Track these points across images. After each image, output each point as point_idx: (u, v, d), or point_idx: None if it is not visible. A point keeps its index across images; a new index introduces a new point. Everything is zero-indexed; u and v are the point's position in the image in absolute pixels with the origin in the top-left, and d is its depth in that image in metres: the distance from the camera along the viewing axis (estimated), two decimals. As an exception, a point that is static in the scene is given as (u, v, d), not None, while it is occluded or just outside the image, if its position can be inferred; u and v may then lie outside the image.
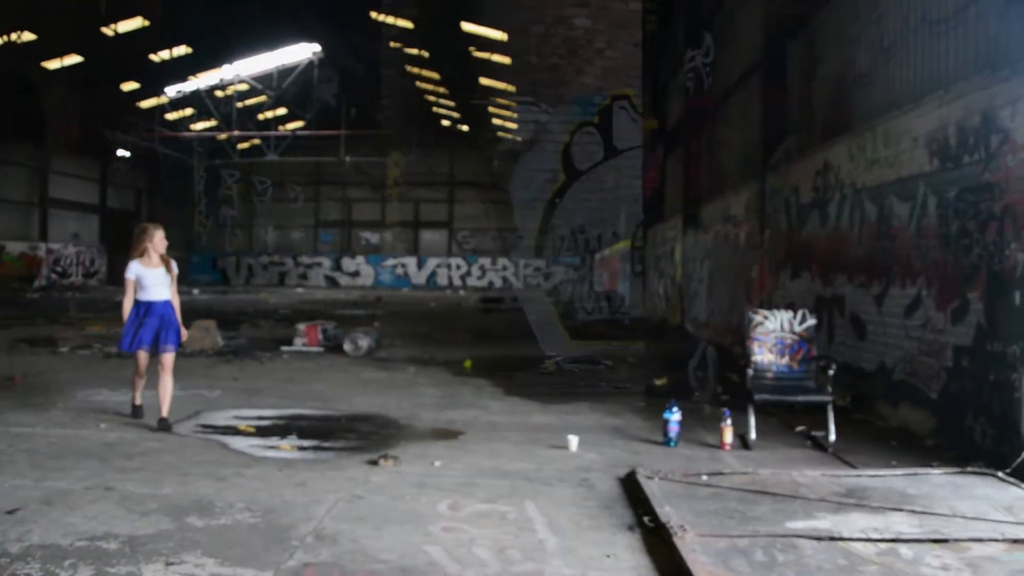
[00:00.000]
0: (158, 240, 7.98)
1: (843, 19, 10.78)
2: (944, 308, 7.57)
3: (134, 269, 7.90)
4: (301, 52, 33.12)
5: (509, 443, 7.38)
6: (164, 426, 7.69)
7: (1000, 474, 6.09)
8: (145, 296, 7.89)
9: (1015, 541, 4.69)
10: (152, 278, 7.91)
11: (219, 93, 36.89)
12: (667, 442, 7.32)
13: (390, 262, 55.36)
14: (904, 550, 4.53)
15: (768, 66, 13.37)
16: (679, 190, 20.83)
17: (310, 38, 32.29)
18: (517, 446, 7.26)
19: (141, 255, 7.94)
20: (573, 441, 7.17)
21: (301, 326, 15.14)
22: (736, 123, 16.30)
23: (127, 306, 7.92)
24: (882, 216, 8.95)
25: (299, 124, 40.70)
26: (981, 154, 7.01)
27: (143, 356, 7.99)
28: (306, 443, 7.39)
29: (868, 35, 9.93)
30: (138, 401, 8.32)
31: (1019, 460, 6.06)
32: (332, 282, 55.21)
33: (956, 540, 4.68)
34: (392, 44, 32.25)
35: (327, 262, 55.89)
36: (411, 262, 55.11)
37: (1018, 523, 5.02)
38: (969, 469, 6.31)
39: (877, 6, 9.69)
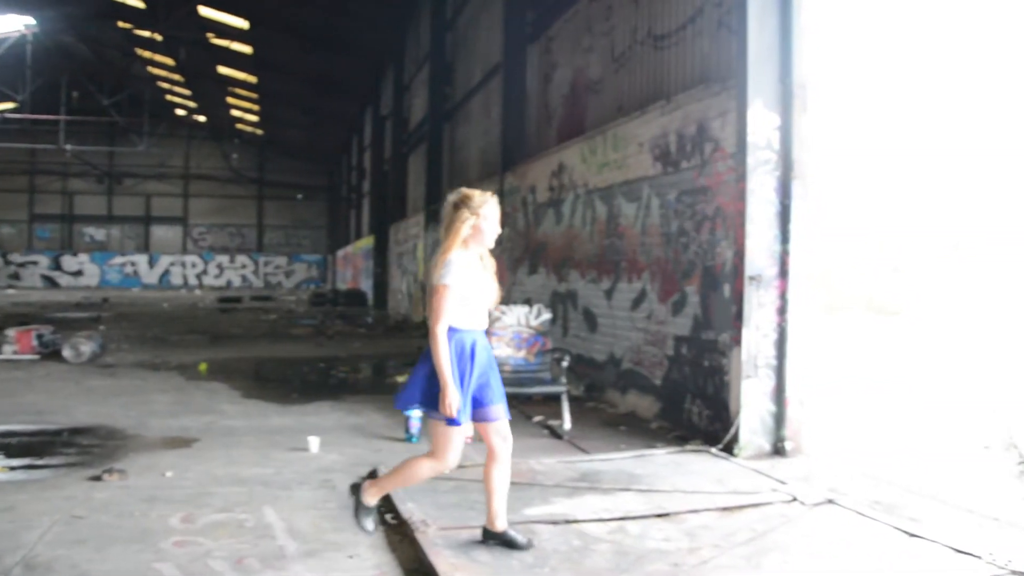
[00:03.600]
0: (492, 220, 4.39)
1: (579, 28, 11.37)
2: (666, 301, 8.20)
3: (462, 270, 4.27)
4: (10, 23, 29.64)
5: (247, 448, 7.07)
6: (527, 544, 4.48)
7: (713, 450, 6.72)
8: (467, 322, 4.31)
9: (725, 509, 5.19)
10: (481, 291, 4.39)
11: (-93, 67, 32.32)
12: (409, 438, 7.34)
13: (118, 260, 51.43)
14: (632, 527, 4.84)
15: (508, 69, 13.82)
16: (422, 187, 21.06)
17: (22, 8, 28.98)
18: (255, 450, 6.98)
19: (464, 245, 4.35)
20: (314, 442, 7.00)
21: (11, 332, 13.66)
22: (478, 122, 16.72)
23: (443, 337, 4.20)
24: (611, 215, 9.54)
25: (10, 105, 36.56)
26: (697, 160, 7.65)
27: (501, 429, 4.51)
28: (15, 463, 6.62)
29: (601, 45, 10.54)
30: (501, 517, 4.55)
31: (729, 436, 6.71)
32: (51, 282, 50.37)
33: (676, 513, 5.09)
34: (120, 24, 29.80)
35: (45, 260, 50.92)
36: (142, 260, 51.54)
37: (727, 492, 5.57)
38: (688, 448, 6.91)
39: (609, 18, 10.30)
